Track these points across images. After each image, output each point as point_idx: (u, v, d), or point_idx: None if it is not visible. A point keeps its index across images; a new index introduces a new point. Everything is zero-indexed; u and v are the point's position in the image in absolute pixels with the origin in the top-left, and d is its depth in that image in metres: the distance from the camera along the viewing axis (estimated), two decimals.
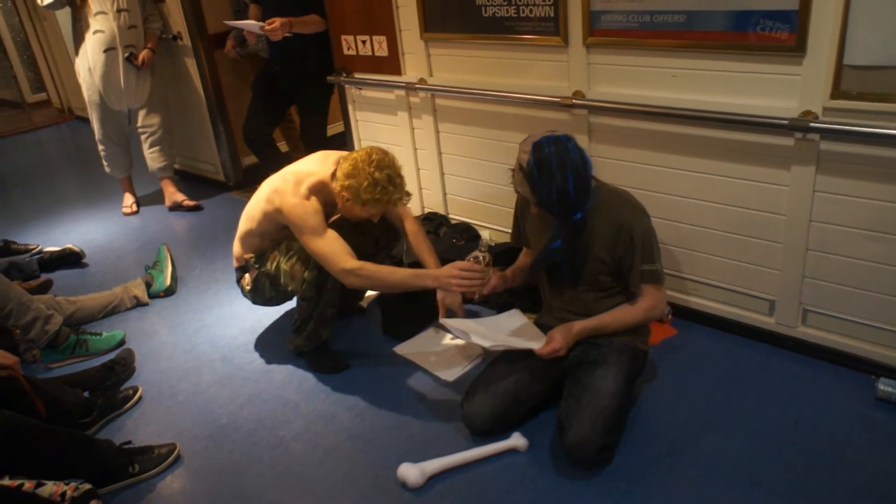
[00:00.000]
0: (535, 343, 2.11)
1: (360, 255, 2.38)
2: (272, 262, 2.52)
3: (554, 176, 1.92)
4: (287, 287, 2.48)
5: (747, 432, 2.07)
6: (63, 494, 1.69)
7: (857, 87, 1.94)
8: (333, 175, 2.35)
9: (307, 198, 2.36)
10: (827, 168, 2.09)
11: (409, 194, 2.37)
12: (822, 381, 2.25)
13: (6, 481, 1.72)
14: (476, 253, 2.11)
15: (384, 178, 2.24)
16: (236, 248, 2.66)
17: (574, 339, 2.10)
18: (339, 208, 2.41)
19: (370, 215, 2.36)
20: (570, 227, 2.02)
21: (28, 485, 1.68)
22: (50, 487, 1.69)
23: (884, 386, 2.10)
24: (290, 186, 2.38)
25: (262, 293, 2.62)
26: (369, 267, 2.31)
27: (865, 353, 2.23)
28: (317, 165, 2.45)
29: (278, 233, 2.50)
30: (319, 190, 2.38)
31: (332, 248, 2.32)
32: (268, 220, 2.48)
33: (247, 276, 2.64)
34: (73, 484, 1.72)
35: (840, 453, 1.96)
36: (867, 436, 2.01)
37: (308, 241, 2.34)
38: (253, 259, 2.61)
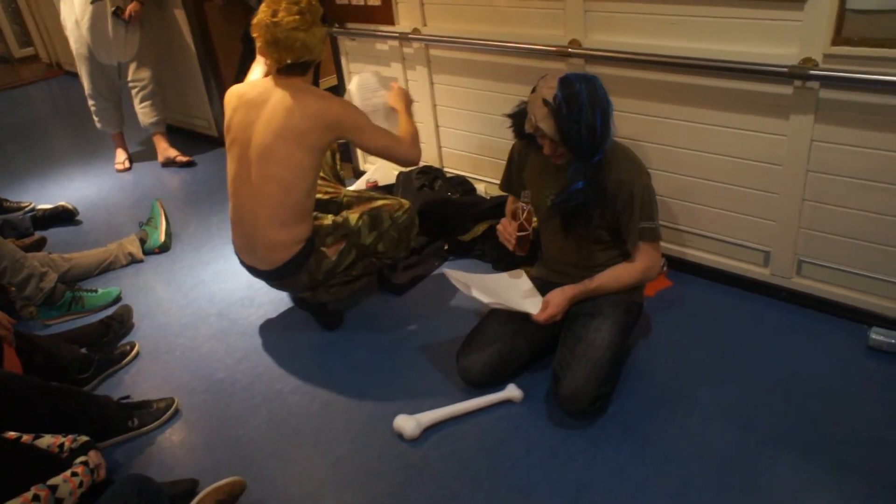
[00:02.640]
0: (533, 307, 2.09)
1: None
2: (365, 234, 2.40)
3: (584, 111, 1.88)
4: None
5: (741, 382, 2.09)
6: (61, 446, 1.70)
7: (859, 33, 1.90)
8: (307, 64, 2.25)
9: (332, 95, 2.29)
10: (825, 117, 2.07)
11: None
12: (815, 331, 2.26)
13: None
14: (520, 203, 2.06)
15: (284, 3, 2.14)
16: (282, 234, 2.30)
17: (570, 302, 2.09)
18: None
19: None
20: (591, 168, 1.99)
21: (26, 437, 1.69)
22: (48, 439, 1.70)
23: (875, 335, 2.11)
24: (311, 97, 2.22)
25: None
26: (403, 131, 2.42)
27: (858, 303, 2.24)
28: (279, 82, 2.26)
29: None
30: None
31: (389, 132, 2.37)
32: (319, 153, 2.26)
33: (326, 250, 2.38)
34: (70, 436, 1.73)
35: (832, 401, 1.98)
36: (859, 384, 2.03)
37: (370, 138, 2.30)
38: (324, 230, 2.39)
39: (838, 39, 1.92)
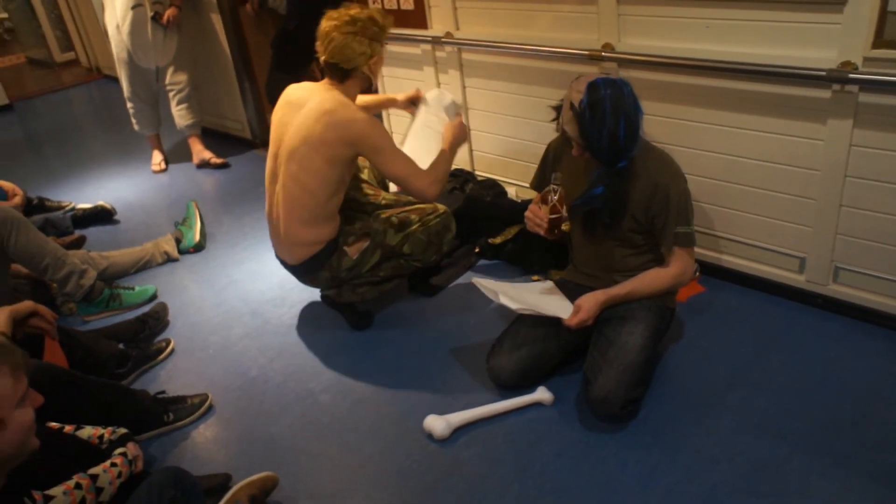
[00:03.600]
0: (564, 312, 2.09)
1: None
2: (391, 234, 2.41)
3: (606, 119, 1.88)
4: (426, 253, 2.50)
5: (774, 389, 2.06)
6: (101, 437, 1.75)
7: None
8: (344, 72, 2.30)
9: (363, 113, 2.30)
10: (865, 121, 2.04)
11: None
12: (851, 339, 2.22)
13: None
14: (552, 186, 2.06)
15: (366, 16, 2.25)
16: (304, 233, 2.36)
17: (601, 307, 2.08)
18: (371, 76, 2.37)
19: (382, 61, 2.37)
20: (614, 174, 1.99)
21: (68, 428, 1.74)
22: (88, 430, 1.75)
23: None
24: (341, 110, 2.24)
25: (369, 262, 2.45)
26: (433, 166, 2.36)
27: (894, 311, 2.20)
28: (320, 89, 2.34)
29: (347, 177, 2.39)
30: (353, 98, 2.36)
31: (411, 162, 2.32)
32: (340, 165, 2.29)
33: (348, 248, 2.42)
34: (109, 428, 1.78)
35: (867, 410, 1.94)
36: (894, 391, 1.99)
37: (387, 162, 2.29)
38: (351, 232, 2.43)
39: (879, 42, 1.90)
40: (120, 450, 1.71)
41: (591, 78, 1.93)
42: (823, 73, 2.00)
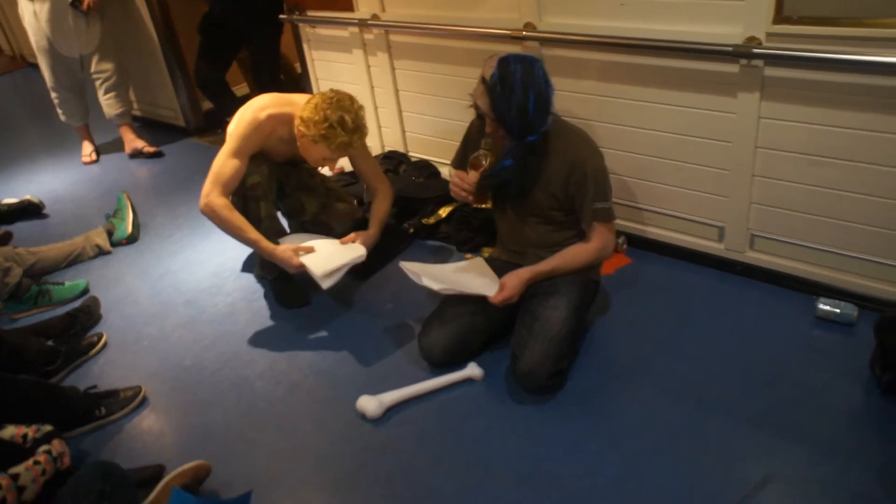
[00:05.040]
0: (489, 290, 2.13)
1: (297, 212, 2.56)
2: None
3: (515, 91, 1.92)
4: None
5: (694, 354, 2.15)
6: (24, 436, 1.73)
7: (799, 12, 1.94)
8: None
9: (262, 121, 2.33)
10: (771, 94, 2.12)
11: (360, 140, 2.32)
12: (767, 303, 2.33)
13: None
14: (481, 151, 2.09)
15: (336, 117, 2.21)
16: None
17: (525, 285, 2.13)
18: (298, 145, 2.38)
19: (323, 160, 2.34)
20: (524, 148, 2.03)
21: None
22: (11, 430, 1.73)
23: (822, 305, 2.18)
24: (256, 104, 2.38)
25: None
26: (226, 212, 2.29)
27: (808, 275, 2.31)
28: (300, 100, 2.40)
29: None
30: (284, 122, 2.36)
31: (221, 170, 2.31)
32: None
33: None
34: (34, 426, 1.76)
35: (780, 370, 2.05)
36: (806, 353, 2.10)
37: (221, 151, 2.35)
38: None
39: (779, 18, 1.97)
40: (44, 447, 1.70)
41: (503, 55, 1.97)
42: (730, 49, 2.07)
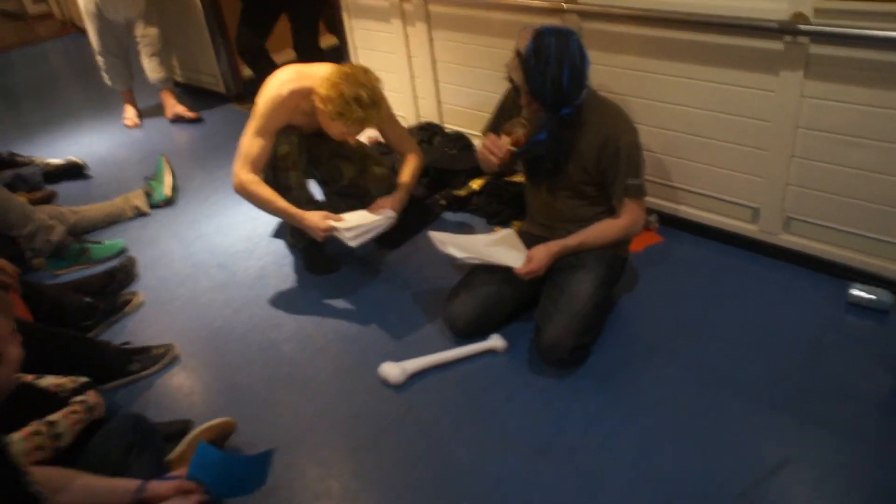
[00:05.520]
0: (516, 261, 2.13)
1: (335, 178, 2.57)
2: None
3: (550, 64, 1.91)
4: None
5: (721, 337, 2.13)
6: (62, 386, 1.79)
7: None
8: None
9: (284, 98, 2.33)
10: (816, 73, 2.06)
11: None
12: (798, 287, 2.28)
13: None
14: (521, 120, 2.09)
15: (351, 93, 2.18)
16: None
17: (553, 258, 2.11)
18: (319, 120, 2.37)
19: (342, 134, 2.33)
20: (558, 121, 2.02)
21: (28, 377, 1.78)
22: (49, 379, 1.79)
23: (855, 290, 2.13)
24: (279, 78, 2.37)
25: None
26: (255, 186, 2.34)
27: (843, 259, 2.25)
28: (321, 72, 2.36)
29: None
30: (305, 96, 2.35)
31: (248, 150, 2.35)
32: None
33: None
34: (71, 377, 1.82)
35: (809, 356, 2.01)
36: (836, 338, 2.06)
37: (245, 130, 2.37)
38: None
39: None
40: (80, 397, 1.76)
41: (537, 27, 1.95)
42: (775, 25, 2.02)
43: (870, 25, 1.88)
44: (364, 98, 2.19)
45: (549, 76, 1.91)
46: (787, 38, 2.05)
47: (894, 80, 1.92)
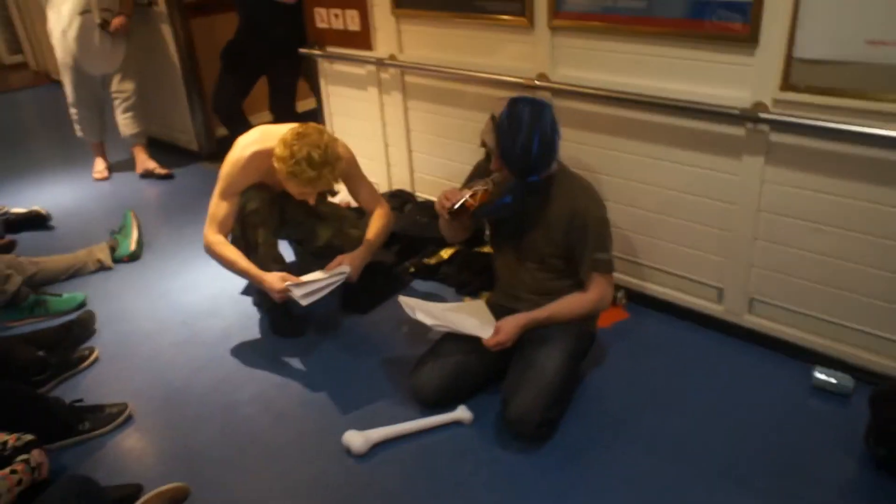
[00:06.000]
0: (483, 332, 2.13)
1: (310, 239, 2.60)
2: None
3: (522, 130, 1.97)
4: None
5: (686, 413, 2.13)
6: (4, 444, 1.71)
7: (805, 81, 1.98)
8: None
9: (245, 160, 2.37)
10: (776, 159, 2.14)
11: (332, 191, 2.30)
12: (763, 369, 2.31)
13: None
14: (487, 179, 2.10)
15: (303, 154, 2.19)
16: None
17: (521, 330, 2.12)
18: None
19: (300, 193, 2.34)
20: (524, 188, 2.05)
21: None
22: None
23: (819, 374, 2.17)
24: (244, 140, 2.43)
25: None
26: (220, 247, 2.40)
27: (806, 343, 2.29)
28: (283, 131, 2.38)
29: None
30: (267, 157, 2.34)
31: (214, 212, 2.42)
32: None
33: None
34: (14, 435, 1.75)
35: (771, 436, 2.02)
36: (799, 420, 2.08)
37: (214, 191, 2.43)
38: None
39: (786, 85, 2.01)
40: (23, 456, 1.68)
41: (515, 96, 2.01)
42: (737, 112, 2.11)
43: (825, 118, 1.97)
44: (315, 158, 2.20)
45: (520, 141, 1.97)
46: (749, 125, 2.14)
47: (852, 171, 2.01)
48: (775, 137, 2.11)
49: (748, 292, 2.38)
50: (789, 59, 1.96)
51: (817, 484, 1.85)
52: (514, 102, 2.02)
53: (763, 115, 2.06)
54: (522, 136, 1.96)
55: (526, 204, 2.09)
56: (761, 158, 2.15)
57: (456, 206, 2.09)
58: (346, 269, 2.38)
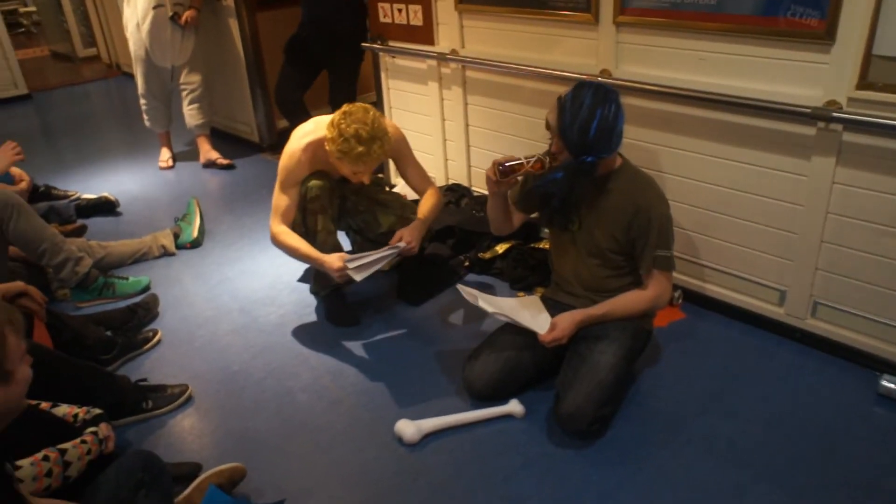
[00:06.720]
0: (540, 327, 2.12)
1: (372, 226, 2.62)
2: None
3: (583, 109, 1.96)
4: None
5: (743, 417, 2.08)
6: (76, 416, 1.78)
7: (884, 79, 1.91)
8: None
9: (300, 151, 2.42)
10: (848, 160, 2.07)
11: (390, 184, 2.30)
12: (825, 374, 2.24)
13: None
14: (545, 152, 2.11)
15: (351, 131, 2.22)
16: None
17: (577, 327, 2.10)
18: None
19: (352, 173, 2.36)
20: (577, 166, 2.02)
21: (45, 404, 1.78)
22: (64, 408, 1.78)
23: (886, 382, 2.09)
24: (299, 131, 2.48)
25: None
26: (283, 236, 2.45)
27: (871, 349, 2.22)
28: None
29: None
30: (322, 145, 2.38)
31: (276, 203, 2.48)
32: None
33: None
34: (85, 408, 1.82)
35: (833, 444, 1.96)
36: (863, 429, 2.01)
37: (275, 187, 2.49)
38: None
39: (863, 83, 1.94)
40: (92, 429, 1.74)
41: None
42: (808, 111, 2.05)
43: None
44: (363, 134, 2.22)
45: (579, 120, 1.95)
46: (820, 124, 2.07)
47: None
48: (848, 137, 2.04)
49: (812, 295, 2.31)
50: (867, 57, 1.89)
51: (879, 496, 1.79)
52: (580, 85, 2.02)
53: (836, 114, 1.99)
54: (583, 113, 1.95)
55: (577, 185, 2.05)
56: (832, 159, 2.08)
57: (508, 165, 2.09)
58: (401, 244, 2.39)
